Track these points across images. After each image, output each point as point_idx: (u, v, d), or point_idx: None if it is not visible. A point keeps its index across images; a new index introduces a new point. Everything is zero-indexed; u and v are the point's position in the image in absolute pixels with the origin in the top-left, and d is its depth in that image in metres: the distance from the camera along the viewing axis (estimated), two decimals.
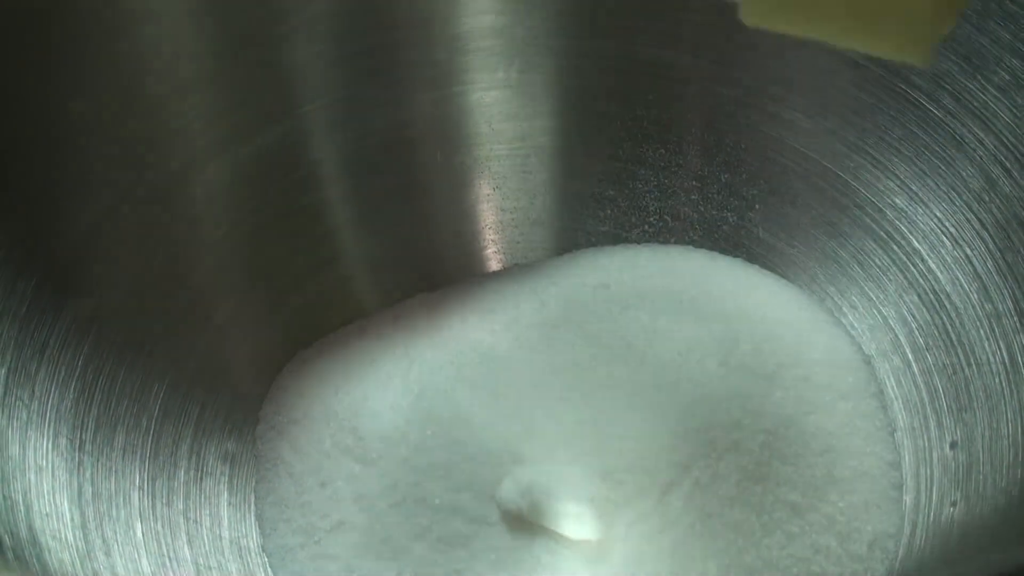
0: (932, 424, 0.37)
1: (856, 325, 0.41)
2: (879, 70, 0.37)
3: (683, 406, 0.38)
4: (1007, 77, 0.35)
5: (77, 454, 0.34)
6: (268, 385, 0.41)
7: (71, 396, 0.34)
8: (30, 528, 0.30)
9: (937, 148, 0.37)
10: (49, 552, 0.31)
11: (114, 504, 0.34)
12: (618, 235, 0.45)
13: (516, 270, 0.45)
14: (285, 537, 0.38)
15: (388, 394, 0.40)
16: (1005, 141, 0.35)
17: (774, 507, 0.36)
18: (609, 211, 0.45)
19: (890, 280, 0.40)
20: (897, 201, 0.39)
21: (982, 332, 0.36)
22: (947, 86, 0.36)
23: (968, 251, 0.37)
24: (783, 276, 0.43)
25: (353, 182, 0.43)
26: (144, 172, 0.37)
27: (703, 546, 0.35)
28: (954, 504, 0.35)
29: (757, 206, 0.43)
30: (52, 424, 0.33)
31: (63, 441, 0.33)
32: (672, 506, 0.36)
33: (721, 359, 0.40)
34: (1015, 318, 0.35)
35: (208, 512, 0.37)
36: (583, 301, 0.42)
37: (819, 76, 0.39)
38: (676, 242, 0.45)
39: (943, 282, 0.38)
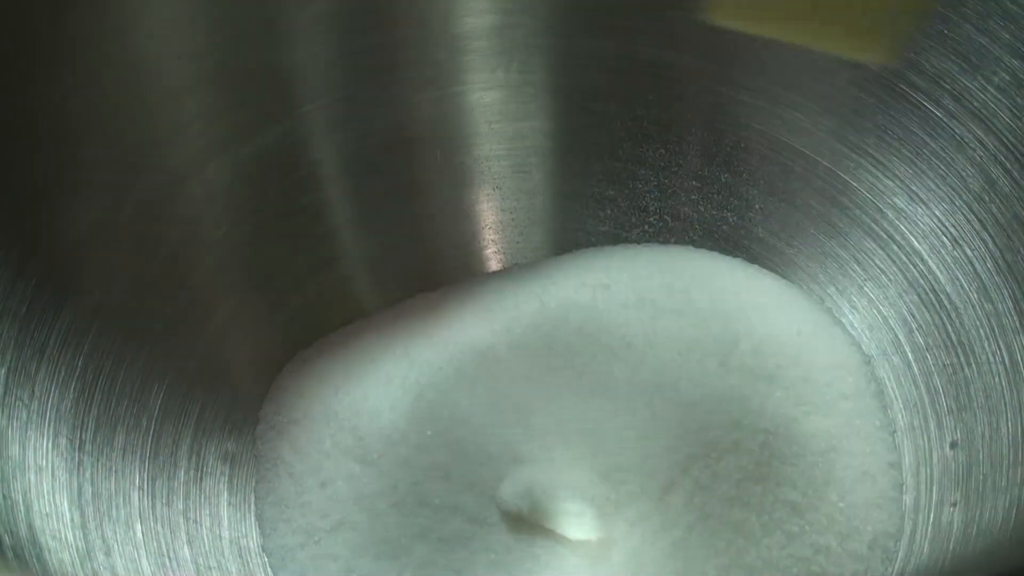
0: (932, 424, 0.37)
1: (856, 325, 0.41)
2: (879, 70, 0.37)
3: (683, 406, 0.38)
4: (1007, 77, 0.35)
5: (77, 454, 0.34)
6: (268, 385, 0.41)
7: (71, 396, 0.34)
8: (30, 528, 0.30)
9: (937, 148, 0.37)
10: (49, 552, 0.31)
11: (114, 504, 0.34)
12: (618, 235, 0.45)
13: (516, 270, 0.45)
14: (285, 537, 0.38)
15: (388, 394, 0.40)
16: (1005, 141, 0.35)
17: (774, 507, 0.36)
18: (609, 211, 0.45)
19: (890, 280, 0.40)
20: (897, 201, 0.39)
21: (982, 332, 0.36)
22: (947, 86, 0.36)
23: (968, 251, 0.37)
24: (783, 276, 0.43)
25: (353, 182, 0.43)
26: (144, 172, 0.37)
27: (703, 546, 0.36)
28: (954, 504, 0.35)
29: (757, 206, 0.43)
30: (52, 424, 0.33)
31: (63, 441, 0.33)
32: (672, 506, 0.36)
33: (721, 359, 0.40)
34: (1015, 318, 0.35)
35: (208, 512, 0.37)
36: (583, 301, 0.42)
37: (819, 76, 0.39)
38: (676, 242, 0.45)
39: (943, 282, 0.38)
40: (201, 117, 0.38)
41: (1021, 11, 0.34)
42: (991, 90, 0.35)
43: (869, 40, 0.24)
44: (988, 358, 0.36)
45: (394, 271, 0.44)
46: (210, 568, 0.36)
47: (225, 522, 0.38)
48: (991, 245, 0.36)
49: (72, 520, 0.32)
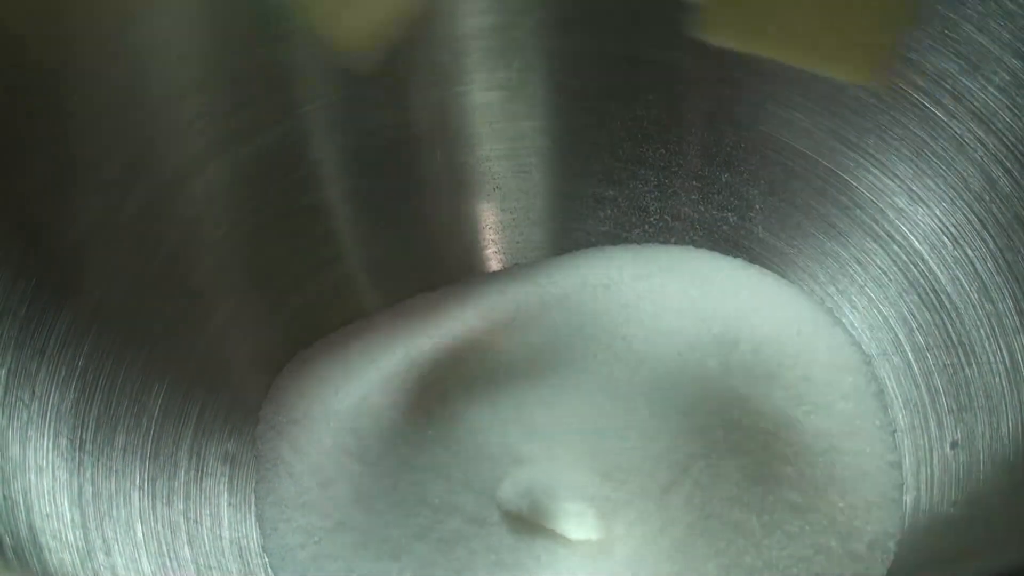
0: (932, 424, 0.38)
1: (856, 325, 0.41)
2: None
3: (683, 406, 0.38)
4: (1007, 77, 0.35)
5: (77, 454, 0.34)
6: (268, 385, 0.41)
7: (71, 396, 0.34)
8: (30, 528, 0.30)
9: (937, 148, 0.37)
10: (49, 552, 0.31)
11: (114, 504, 0.34)
12: (618, 235, 0.45)
13: (516, 270, 0.45)
14: (285, 537, 0.38)
15: (388, 394, 0.40)
16: (1005, 141, 0.35)
17: (774, 507, 0.36)
18: (609, 211, 0.45)
19: (890, 280, 0.40)
20: (897, 201, 0.39)
21: (982, 332, 0.36)
22: (947, 86, 0.36)
23: (968, 251, 0.37)
24: (783, 276, 0.43)
25: (353, 182, 0.43)
26: (144, 172, 0.37)
27: (703, 546, 0.36)
28: (954, 504, 0.35)
29: (757, 206, 0.43)
30: (52, 424, 0.33)
31: (63, 441, 0.33)
32: (672, 506, 0.36)
33: (721, 359, 0.40)
34: (1015, 318, 0.35)
35: (208, 512, 0.37)
36: (583, 301, 0.42)
37: (819, 76, 0.39)
38: (676, 242, 0.45)
39: (943, 282, 0.38)
40: (201, 117, 0.38)
41: (1021, 11, 0.34)
42: (991, 90, 0.35)
43: (859, 62, 0.24)
44: (988, 358, 0.36)
45: (394, 271, 0.44)
46: (210, 568, 0.36)
47: (225, 522, 0.38)
48: (991, 245, 0.36)
49: (72, 520, 0.32)
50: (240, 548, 0.38)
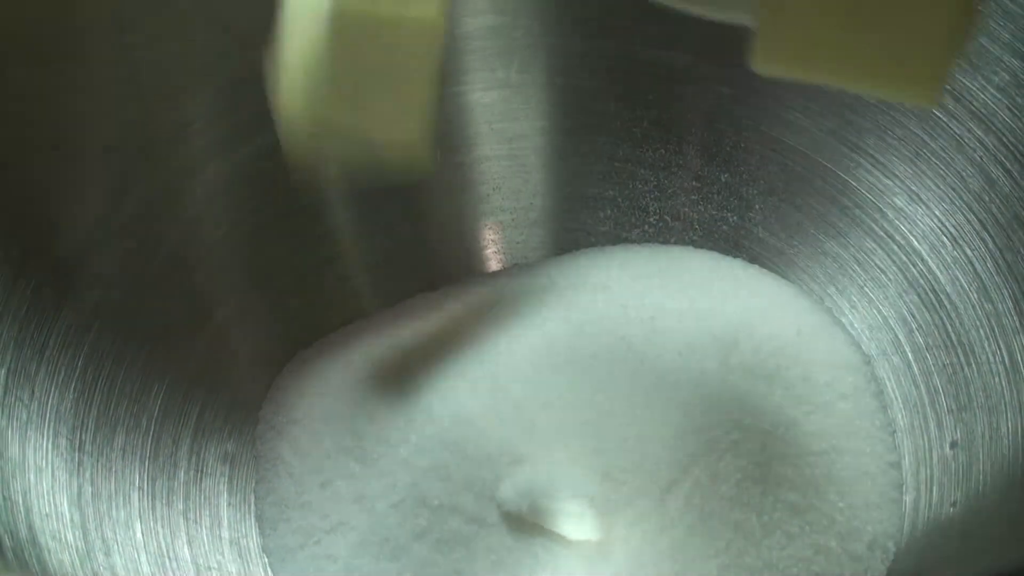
0: (932, 424, 0.37)
1: (856, 325, 0.41)
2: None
3: (683, 406, 0.38)
4: (1007, 77, 0.35)
5: (77, 454, 0.34)
6: (268, 385, 0.41)
7: (71, 396, 0.34)
8: (30, 528, 0.30)
9: (937, 148, 0.37)
10: (49, 552, 0.31)
11: (114, 504, 0.34)
12: (618, 235, 0.45)
13: (516, 270, 0.45)
14: (285, 537, 0.38)
15: (388, 394, 0.40)
16: (1005, 141, 0.35)
17: (774, 507, 0.36)
18: (609, 211, 0.45)
19: (890, 280, 0.40)
20: (897, 201, 0.39)
21: (982, 332, 0.36)
22: (947, 86, 0.36)
23: (968, 251, 0.37)
24: (783, 276, 0.43)
25: (353, 182, 0.43)
26: (144, 172, 0.37)
27: (703, 546, 0.35)
28: (954, 504, 0.35)
29: (757, 206, 0.43)
30: (52, 424, 0.33)
31: (63, 441, 0.33)
32: (672, 506, 0.36)
33: (721, 359, 0.40)
34: (1015, 318, 0.35)
35: (208, 512, 0.37)
36: (583, 301, 0.42)
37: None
38: (676, 242, 0.45)
39: (943, 282, 0.38)
40: (201, 117, 0.38)
41: (1021, 11, 0.34)
42: (991, 90, 0.35)
43: (924, 85, 0.24)
44: (988, 358, 0.36)
45: (394, 271, 0.44)
46: (210, 568, 0.36)
47: (225, 522, 0.38)
48: (991, 245, 0.36)
49: (72, 520, 0.32)
50: (240, 548, 0.38)
